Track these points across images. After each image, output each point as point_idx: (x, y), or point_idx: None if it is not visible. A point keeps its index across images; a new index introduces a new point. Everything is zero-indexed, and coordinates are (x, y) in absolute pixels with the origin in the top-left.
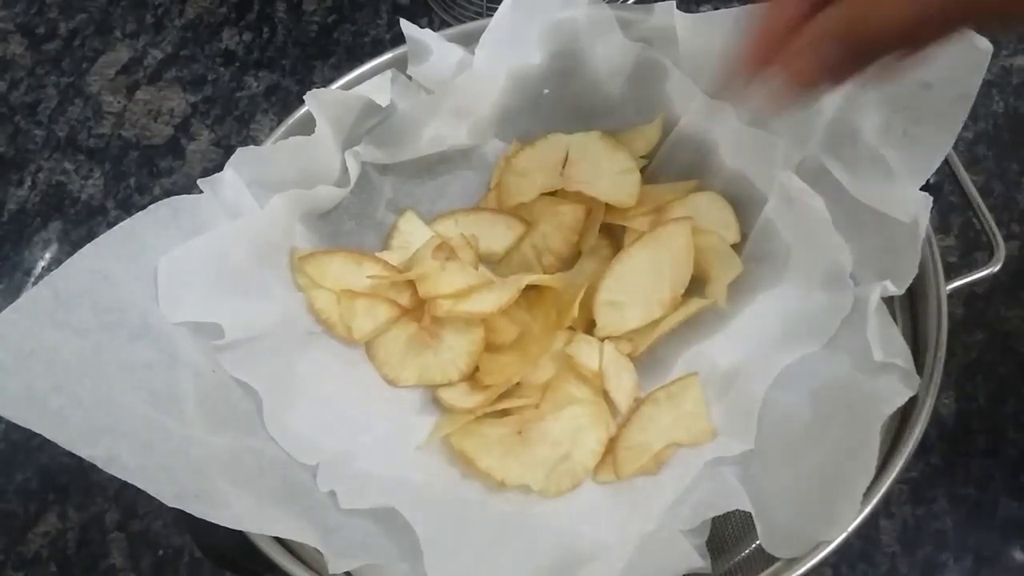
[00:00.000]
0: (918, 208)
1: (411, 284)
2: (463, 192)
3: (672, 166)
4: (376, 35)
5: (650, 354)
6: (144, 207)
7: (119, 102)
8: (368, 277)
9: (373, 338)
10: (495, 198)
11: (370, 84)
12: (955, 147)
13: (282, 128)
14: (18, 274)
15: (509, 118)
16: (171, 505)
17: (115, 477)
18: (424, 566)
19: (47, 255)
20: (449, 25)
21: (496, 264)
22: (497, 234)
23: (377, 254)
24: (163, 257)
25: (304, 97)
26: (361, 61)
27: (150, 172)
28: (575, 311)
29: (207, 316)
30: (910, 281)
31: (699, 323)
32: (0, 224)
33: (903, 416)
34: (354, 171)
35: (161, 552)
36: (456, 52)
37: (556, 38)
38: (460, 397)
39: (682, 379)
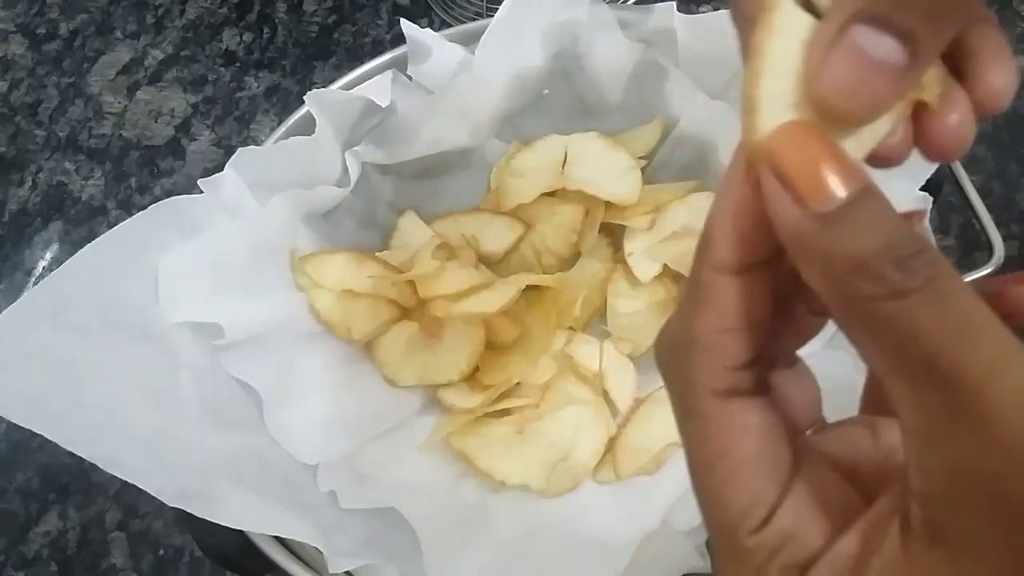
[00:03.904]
0: (918, 208)
1: (411, 284)
2: (463, 192)
3: (672, 166)
4: (376, 35)
5: (650, 354)
6: (145, 207)
7: (120, 102)
8: (368, 277)
9: (373, 338)
10: (495, 199)
11: (370, 84)
12: None
13: (282, 128)
14: (19, 274)
15: (509, 119)
16: (172, 504)
17: (116, 477)
18: (424, 566)
19: (48, 255)
20: (449, 25)
21: (496, 264)
22: (497, 235)
23: (377, 254)
24: (163, 257)
25: (304, 97)
26: (361, 61)
27: (151, 172)
28: (575, 311)
29: (207, 316)
30: None
31: None
32: (1, 224)
33: None
34: (354, 171)
35: (162, 551)
36: (456, 52)
37: (556, 39)
38: (460, 397)
39: None
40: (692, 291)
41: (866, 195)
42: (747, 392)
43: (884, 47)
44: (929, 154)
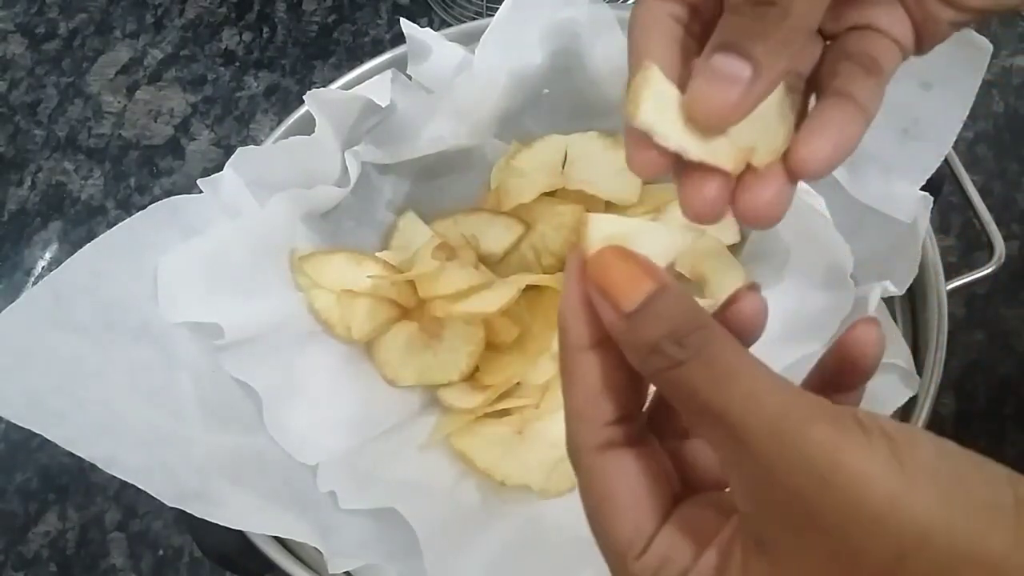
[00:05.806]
0: (918, 208)
1: (411, 284)
2: (463, 192)
3: None
4: (376, 35)
5: None
6: (144, 207)
7: (119, 102)
8: (368, 277)
9: (373, 338)
10: (495, 199)
11: (370, 84)
12: (955, 147)
13: (282, 128)
14: (18, 274)
15: (509, 118)
16: (171, 505)
17: (115, 477)
18: (424, 566)
19: (47, 255)
20: (449, 25)
21: (496, 264)
22: (497, 234)
23: (377, 254)
24: (163, 257)
25: (304, 97)
26: (361, 61)
27: (150, 172)
28: None
29: (207, 316)
30: (910, 281)
31: None
32: (0, 224)
33: (903, 416)
34: (354, 171)
35: (161, 552)
36: (456, 52)
37: (556, 38)
38: (460, 397)
39: None
40: (561, 374)
41: (657, 295)
42: (622, 443)
43: (735, 67)
44: (742, 220)
